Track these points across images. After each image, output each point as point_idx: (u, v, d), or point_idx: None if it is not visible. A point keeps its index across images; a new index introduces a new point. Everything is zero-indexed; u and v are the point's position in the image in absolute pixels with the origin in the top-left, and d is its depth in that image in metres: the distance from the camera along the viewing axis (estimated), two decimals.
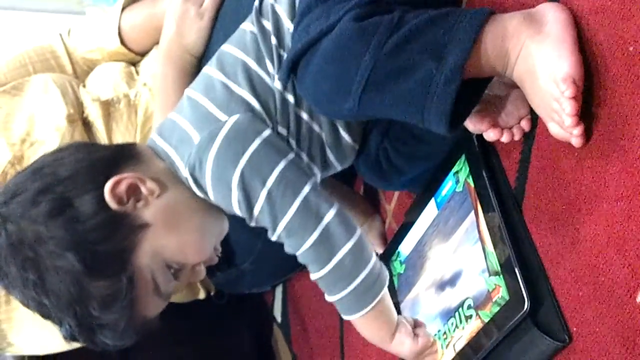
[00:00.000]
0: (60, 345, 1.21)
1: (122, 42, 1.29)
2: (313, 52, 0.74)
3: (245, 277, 1.41)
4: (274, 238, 0.83)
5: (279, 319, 1.73)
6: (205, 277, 1.41)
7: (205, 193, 0.83)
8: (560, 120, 0.66)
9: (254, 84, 0.84)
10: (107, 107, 1.20)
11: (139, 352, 1.55)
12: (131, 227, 0.81)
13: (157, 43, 1.30)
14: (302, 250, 0.81)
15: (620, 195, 0.65)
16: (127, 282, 0.80)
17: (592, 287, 0.69)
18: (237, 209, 0.82)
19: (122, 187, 0.81)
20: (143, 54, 1.32)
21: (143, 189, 0.82)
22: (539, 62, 0.66)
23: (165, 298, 0.87)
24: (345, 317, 0.86)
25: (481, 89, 0.75)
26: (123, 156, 0.86)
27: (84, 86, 1.25)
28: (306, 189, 0.80)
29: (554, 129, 0.69)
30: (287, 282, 1.62)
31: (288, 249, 0.83)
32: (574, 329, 0.72)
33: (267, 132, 0.81)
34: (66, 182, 0.81)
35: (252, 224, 0.83)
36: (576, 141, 0.67)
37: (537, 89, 0.68)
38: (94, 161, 0.84)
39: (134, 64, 1.33)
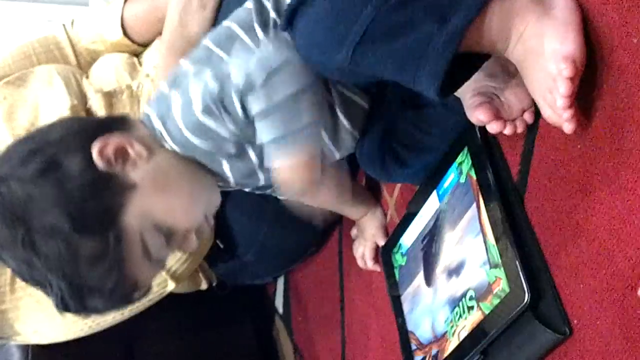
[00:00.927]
0: (65, 334, 1.22)
1: (125, 33, 1.29)
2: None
3: (247, 268, 1.42)
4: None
5: (280, 310, 1.73)
6: (207, 269, 1.42)
7: (186, 146, 0.85)
8: (553, 101, 0.66)
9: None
10: (110, 98, 1.20)
11: (142, 342, 1.56)
12: (119, 187, 0.82)
13: (159, 34, 1.30)
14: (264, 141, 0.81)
15: (622, 188, 0.65)
16: (115, 240, 0.80)
17: (593, 280, 0.69)
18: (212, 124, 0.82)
19: (110, 149, 0.82)
20: (145, 45, 1.32)
21: (131, 152, 0.84)
22: (542, 42, 0.66)
23: (157, 264, 0.87)
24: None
25: (475, 67, 0.75)
26: (113, 123, 0.88)
27: (87, 77, 1.25)
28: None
29: (547, 112, 0.69)
30: (289, 273, 1.63)
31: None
32: (575, 321, 0.72)
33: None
34: (55, 145, 0.83)
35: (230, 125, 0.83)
36: (567, 126, 0.67)
37: (536, 69, 0.68)
38: (83, 126, 0.87)
39: (137, 55, 1.33)
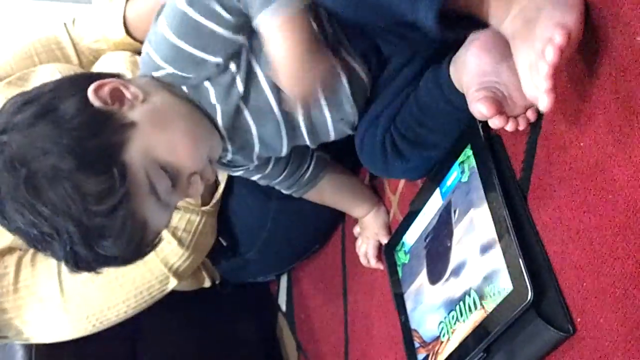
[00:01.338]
0: (69, 334, 1.22)
1: (128, 32, 1.29)
2: None
3: (250, 265, 1.42)
4: None
5: (283, 307, 1.73)
6: (210, 266, 1.43)
7: (172, 56, 0.85)
8: (536, 71, 0.65)
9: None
10: None
11: (145, 340, 1.56)
12: (117, 124, 0.82)
13: None
14: None
15: (626, 185, 0.65)
16: (120, 176, 0.79)
17: (596, 278, 0.69)
18: (199, 17, 0.81)
19: (106, 90, 0.83)
20: None
21: (127, 93, 0.84)
22: (542, 14, 0.66)
23: (166, 208, 0.87)
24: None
25: (472, 27, 0.75)
26: (105, 73, 0.90)
27: None
28: None
29: (527, 84, 0.68)
30: (292, 271, 1.63)
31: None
32: (578, 319, 0.72)
33: None
34: (50, 92, 0.83)
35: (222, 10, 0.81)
36: (543, 100, 0.66)
37: (529, 37, 0.67)
38: (78, 74, 0.89)
39: (140, 53, 1.32)
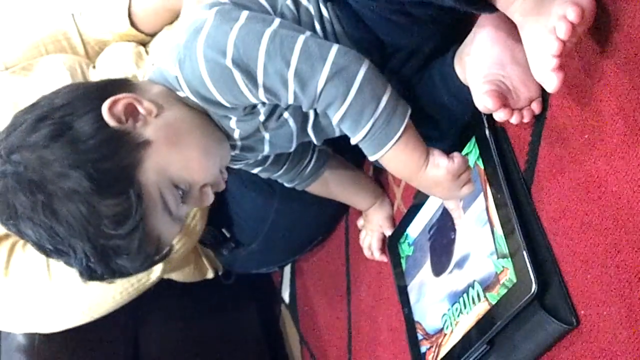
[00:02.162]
0: (59, 321, 1.21)
1: (132, 24, 1.29)
2: None
3: (253, 257, 1.42)
4: (290, 97, 0.80)
5: (286, 299, 1.73)
6: (213, 258, 1.43)
7: (202, 95, 0.82)
8: (546, 50, 0.65)
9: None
10: None
11: (147, 330, 1.57)
12: (133, 144, 0.81)
13: (167, 24, 1.30)
14: (319, 91, 0.78)
15: (630, 178, 0.65)
16: (136, 197, 0.79)
17: (600, 270, 0.69)
18: (243, 87, 0.79)
19: (120, 107, 0.81)
20: (153, 35, 1.32)
21: (140, 109, 0.83)
22: None
23: (177, 221, 0.87)
24: (375, 156, 0.83)
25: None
26: (118, 83, 0.88)
27: (94, 67, 1.25)
28: (302, 36, 0.78)
29: (535, 64, 0.68)
30: (296, 263, 1.63)
31: (306, 100, 0.80)
32: (582, 312, 0.72)
33: (248, 11, 0.80)
34: (63, 108, 0.81)
35: (264, 97, 0.81)
36: (551, 80, 0.66)
37: (541, 15, 0.66)
38: (89, 88, 0.86)
39: (144, 44, 1.33)
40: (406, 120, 0.81)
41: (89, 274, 0.83)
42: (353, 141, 0.82)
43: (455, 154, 0.84)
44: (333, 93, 0.78)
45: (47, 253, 0.82)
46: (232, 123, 0.87)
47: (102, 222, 0.78)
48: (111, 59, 1.26)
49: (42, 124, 0.80)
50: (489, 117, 0.84)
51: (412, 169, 0.84)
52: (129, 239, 0.80)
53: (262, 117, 0.86)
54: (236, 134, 0.89)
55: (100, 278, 0.84)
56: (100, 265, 0.81)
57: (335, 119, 0.80)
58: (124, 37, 1.31)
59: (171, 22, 1.31)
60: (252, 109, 0.85)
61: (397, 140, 0.80)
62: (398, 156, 0.82)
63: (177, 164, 0.83)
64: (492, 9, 0.73)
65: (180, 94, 0.85)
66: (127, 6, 1.28)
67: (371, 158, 0.83)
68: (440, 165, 0.82)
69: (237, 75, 0.78)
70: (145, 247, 0.82)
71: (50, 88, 1.17)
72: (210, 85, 0.80)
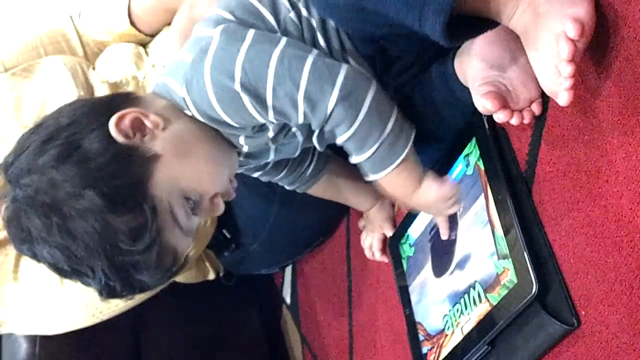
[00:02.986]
0: (69, 323, 1.21)
1: (132, 23, 1.29)
2: None
3: (254, 258, 1.42)
4: (300, 118, 0.80)
5: (288, 300, 1.73)
6: (214, 259, 1.43)
7: (210, 116, 0.82)
8: (553, 67, 0.65)
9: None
10: (116, 89, 1.21)
11: (149, 332, 1.56)
12: (142, 158, 0.81)
13: (166, 24, 1.30)
14: (328, 112, 0.79)
15: (631, 179, 0.65)
16: (151, 211, 0.79)
17: (601, 271, 0.69)
18: (252, 109, 0.79)
19: (127, 122, 0.81)
20: (153, 35, 1.32)
21: (147, 123, 0.82)
22: (553, 6, 0.65)
23: (187, 234, 0.86)
24: (375, 176, 0.85)
25: (481, 30, 0.74)
26: (122, 98, 0.87)
27: (93, 68, 1.25)
28: (310, 57, 0.78)
29: (545, 80, 0.68)
30: (297, 263, 1.63)
31: (316, 120, 0.80)
32: (583, 312, 0.72)
33: (254, 30, 0.80)
34: (69, 127, 0.81)
35: (273, 119, 0.81)
36: (563, 96, 0.66)
37: (542, 31, 0.66)
38: (93, 104, 0.85)
39: (144, 45, 1.33)
40: (410, 144, 0.82)
41: (108, 292, 0.82)
42: (353, 160, 0.84)
43: (446, 177, 0.89)
44: (342, 115, 0.79)
45: (65, 274, 0.82)
46: (241, 140, 0.87)
47: (118, 238, 0.78)
48: (111, 60, 1.26)
49: (49, 145, 0.79)
50: (490, 118, 0.84)
51: (406, 191, 0.87)
52: (147, 254, 0.80)
53: (271, 134, 0.86)
54: (245, 149, 0.89)
55: (120, 295, 0.83)
56: (119, 283, 0.81)
57: (341, 139, 0.81)
58: (123, 37, 1.31)
59: (170, 23, 1.31)
60: (261, 127, 0.85)
61: (398, 164, 0.82)
62: (396, 178, 0.84)
63: (188, 176, 0.83)
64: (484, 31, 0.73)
65: (187, 112, 0.84)
66: (127, 5, 1.28)
67: (369, 178, 0.85)
68: (432, 188, 0.87)
69: (246, 99, 0.78)
70: (163, 260, 0.82)
71: (52, 89, 1.18)
72: (218, 108, 0.80)
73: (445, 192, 0.88)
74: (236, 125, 0.83)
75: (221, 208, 0.89)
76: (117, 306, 1.22)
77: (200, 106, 0.82)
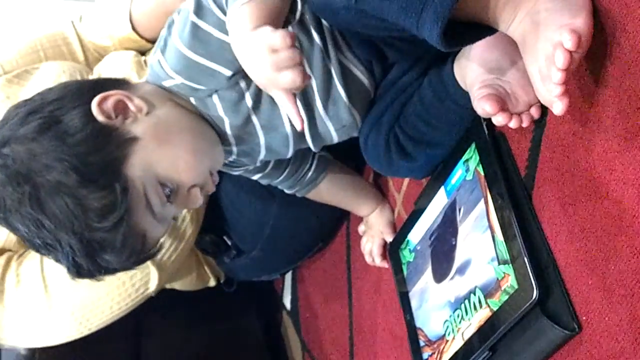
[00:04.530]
0: (57, 334, 1.21)
1: (133, 28, 1.29)
2: None
3: (255, 264, 1.42)
4: None
5: (288, 306, 1.73)
6: (215, 265, 1.42)
7: (184, 67, 0.84)
8: (548, 75, 0.65)
9: None
10: None
11: (149, 338, 1.56)
12: (121, 139, 0.82)
13: None
14: None
15: (631, 183, 0.65)
16: (122, 191, 0.81)
17: (602, 276, 0.69)
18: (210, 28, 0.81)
19: (110, 103, 0.83)
20: (153, 41, 1.32)
21: (131, 106, 0.84)
22: (552, 16, 0.65)
23: (160, 221, 0.87)
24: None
25: (480, 36, 0.73)
26: (112, 81, 0.90)
27: (93, 75, 1.25)
28: None
29: (539, 88, 0.68)
30: (297, 269, 1.63)
31: None
32: (584, 318, 0.72)
33: None
34: (54, 103, 0.83)
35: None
36: (557, 106, 0.65)
37: (538, 39, 0.66)
38: (82, 84, 0.88)
39: (144, 53, 1.33)
40: None
41: (76, 270, 0.84)
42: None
43: (286, 29, 0.71)
44: None
45: (37, 248, 0.84)
46: (220, 110, 0.87)
47: (87, 214, 0.80)
48: (111, 67, 1.26)
49: (32, 117, 0.81)
50: (489, 122, 0.84)
51: (239, 30, 0.74)
52: (113, 233, 0.81)
53: (249, 102, 0.86)
54: (227, 125, 0.89)
55: (88, 274, 0.85)
56: (86, 260, 0.82)
57: None
58: (124, 42, 1.31)
59: None
60: (235, 81, 0.85)
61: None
62: (239, 9, 0.74)
63: (164, 162, 0.84)
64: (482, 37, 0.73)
65: (169, 82, 0.85)
66: (128, 9, 1.29)
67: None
68: (260, 31, 0.70)
69: (202, 23, 0.81)
70: (130, 242, 0.83)
71: None
72: (183, 47, 0.82)
73: (273, 41, 0.69)
74: (205, 64, 0.83)
75: (198, 200, 0.89)
76: (103, 313, 1.21)
77: (172, 60, 0.84)
